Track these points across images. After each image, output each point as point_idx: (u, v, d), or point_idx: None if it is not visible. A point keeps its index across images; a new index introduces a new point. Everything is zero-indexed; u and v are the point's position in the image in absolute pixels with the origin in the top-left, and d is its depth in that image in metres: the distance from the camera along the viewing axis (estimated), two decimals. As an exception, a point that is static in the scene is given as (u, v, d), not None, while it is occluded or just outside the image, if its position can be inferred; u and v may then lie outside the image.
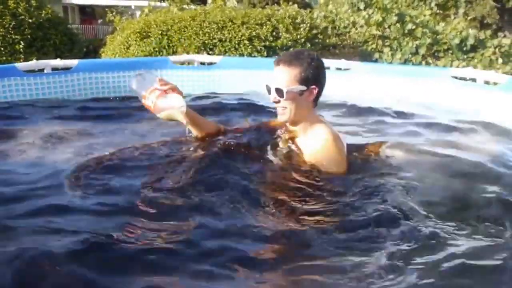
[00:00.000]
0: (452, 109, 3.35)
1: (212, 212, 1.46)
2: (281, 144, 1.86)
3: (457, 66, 7.61)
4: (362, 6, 10.23)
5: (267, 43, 7.59)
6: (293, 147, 1.83)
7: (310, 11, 10.31)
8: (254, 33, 7.59)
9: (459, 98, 3.40)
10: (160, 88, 1.79)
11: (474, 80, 3.78)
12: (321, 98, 1.85)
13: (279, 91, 1.72)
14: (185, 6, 10.38)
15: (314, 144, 1.78)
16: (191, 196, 1.55)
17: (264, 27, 7.67)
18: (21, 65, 3.56)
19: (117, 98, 3.80)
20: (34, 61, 3.69)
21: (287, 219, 1.48)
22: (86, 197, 1.59)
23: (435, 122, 2.80)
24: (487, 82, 3.70)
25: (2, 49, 8.31)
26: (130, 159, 1.92)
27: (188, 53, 7.52)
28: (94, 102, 3.69)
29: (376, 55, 8.42)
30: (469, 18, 12.41)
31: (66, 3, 21.14)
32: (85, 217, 1.45)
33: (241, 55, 7.55)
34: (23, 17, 8.53)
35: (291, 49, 7.65)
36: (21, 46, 8.43)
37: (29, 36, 8.55)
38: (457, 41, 8.27)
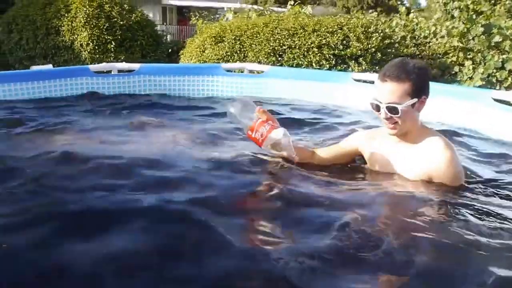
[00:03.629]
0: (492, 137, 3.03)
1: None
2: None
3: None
4: (456, 13, 9.72)
5: (337, 51, 7.58)
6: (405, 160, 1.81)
7: (390, 19, 10.08)
8: (324, 41, 7.62)
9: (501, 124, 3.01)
10: (268, 121, 1.79)
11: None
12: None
13: (393, 109, 1.68)
14: (266, 11, 10.68)
15: (433, 159, 1.72)
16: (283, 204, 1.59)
17: (335, 35, 7.67)
18: (92, 67, 4.03)
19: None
20: (104, 63, 4.15)
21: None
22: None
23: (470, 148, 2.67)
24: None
25: (96, 48, 9.21)
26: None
27: (258, 58, 7.79)
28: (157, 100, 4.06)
29: (456, 68, 8.01)
30: None
31: (165, 4, 22.63)
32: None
33: (309, 62, 7.63)
34: (115, 19, 9.38)
35: (361, 58, 7.57)
36: (112, 46, 9.28)
37: (119, 37, 9.38)
38: (551, 56, 7.56)
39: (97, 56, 9.09)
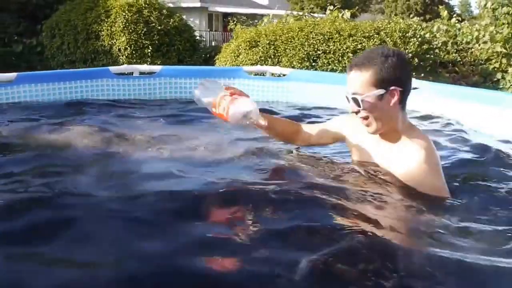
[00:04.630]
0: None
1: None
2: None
3: None
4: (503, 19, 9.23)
5: (372, 56, 7.33)
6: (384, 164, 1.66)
7: (431, 24, 9.67)
8: (359, 46, 7.40)
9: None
10: (230, 95, 1.65)
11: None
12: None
13: (355, 100, 1.55)
14: (304, 16, 10.55)
15: (409, 168, 1.56)
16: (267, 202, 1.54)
17: (371, 40, 7.44)
18: (113, 69, 4.06)
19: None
20: (125, 65, 4.18)
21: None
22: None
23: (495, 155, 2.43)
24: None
25: (133, 52, 9.41)
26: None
27: (292, 64, 7.67)
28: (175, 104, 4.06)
29: (499, 75, 7.56)
30: None
31: (212, 11, 23.06)
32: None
33: (344, 68, 7.43)
34: (153, 24, 9.55)
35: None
36: (149, 50, 9.44)
37: (156, 42, 9.54)
38: None
39: (134, 60, 9.26)
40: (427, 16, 26.21)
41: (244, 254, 1.21)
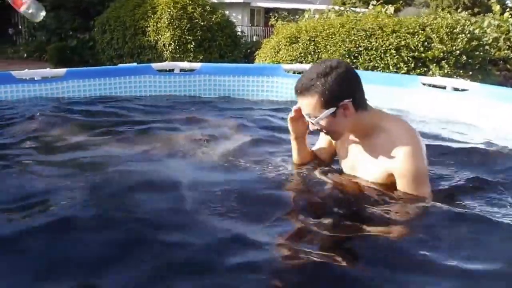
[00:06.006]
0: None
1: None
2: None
3: None
4: None
5: (416, 53, 7.12)
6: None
7: (481, 19, 9.27)
8: (403, 43, 7.20)
9: None
10: None
11: None
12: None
13: (311, 122, 1.62)
14: (346, 11, 10.39)
15: (392, 153, 1.57)
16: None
17: (416, 36, 7.22)
18: (155, 65, 4.20)
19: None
20: (166, 62, 4.31)
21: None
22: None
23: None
24: None
25: (177, 47, 9.62)
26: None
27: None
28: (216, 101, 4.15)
29: (555, 74, 7.16)
30: None
31: (254, 6, 23.16)
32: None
33: (386, 65, 7.26)
34: (197, 20, 9.72)
35: (443, 61, 7.03)
36: (191, 46, 9.63)
37: (199, 37, 9.71)
38: None
39: (178, 55, 9.47)
40: (476, 10, 25.06)
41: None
